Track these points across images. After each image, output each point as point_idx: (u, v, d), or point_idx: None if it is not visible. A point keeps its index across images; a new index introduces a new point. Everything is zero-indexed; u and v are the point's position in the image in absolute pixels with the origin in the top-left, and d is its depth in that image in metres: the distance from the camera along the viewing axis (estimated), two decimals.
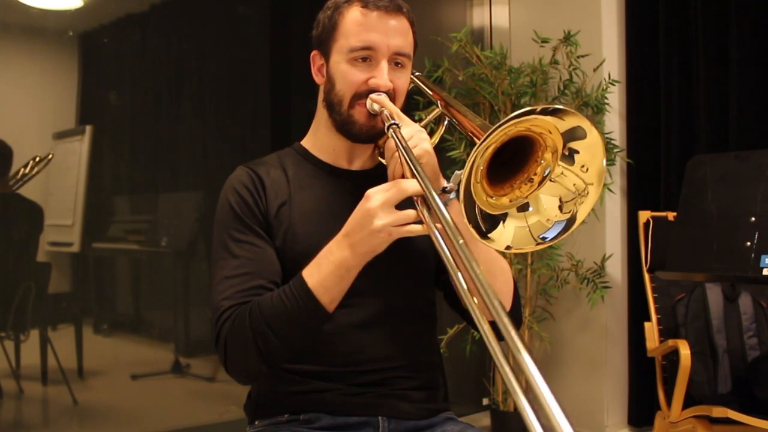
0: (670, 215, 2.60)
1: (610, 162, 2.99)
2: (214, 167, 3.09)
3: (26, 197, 2.59)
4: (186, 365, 2.97)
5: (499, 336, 0.73)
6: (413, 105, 2.87)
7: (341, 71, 1.20)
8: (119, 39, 2.85)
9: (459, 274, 0.85)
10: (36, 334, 2.61)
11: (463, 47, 2.97)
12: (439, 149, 1.17)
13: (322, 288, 1.06)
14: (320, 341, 1.15)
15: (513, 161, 0.98)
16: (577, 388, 3.14)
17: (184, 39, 3.04)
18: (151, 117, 3.00)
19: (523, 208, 0.98)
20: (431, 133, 1.18)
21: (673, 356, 2.35)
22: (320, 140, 1.29)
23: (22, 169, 2.55)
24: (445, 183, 1.03)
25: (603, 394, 3.09)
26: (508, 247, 0.96)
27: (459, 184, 0.90)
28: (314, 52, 1.26)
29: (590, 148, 0.94)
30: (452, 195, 1.01)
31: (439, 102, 1.24)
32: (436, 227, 0.93)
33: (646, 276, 2.59)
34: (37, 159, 2.58)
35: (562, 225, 0.97)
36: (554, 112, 0.90)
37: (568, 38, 2.97)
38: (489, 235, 0.95)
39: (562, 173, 0.97)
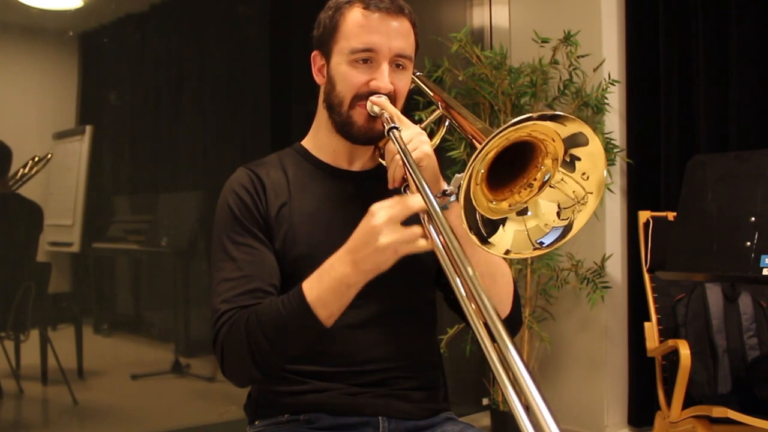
0: (670, 215, 2.60)
1: (610, 162, 2.99)
2: (214, 167, 3.09)
3: (26, 197, 2.59)
4: (186, 365, 2.97)
5: (492, 337, 0.74)
6: (413, 105, 2.87)
7: (342, 72, 1.20)
8: (119, 39, 2.85)
9: (458, 280, 0.85)
10: (36, 334, 2.61)
11: (463, 47, 2.97)
12: (439, 149, 1.17)
13: (321, 302, 1.04)
14: (320, 342, 1.15)
15: (513, 166, 0.98)
16: (577, 388, 3.14)
17: (184, 39, 3.04)
18: (151, 117, 2.99)
19: (522, 212, 0.98)
20: (431, 135, 1.18)
21: (673, 356, 2.35)
22: (321, 141, 1.29)
23: (22, 169, 2.55)
24: (445, 186, 1.03)
25: (603, 394, 3.09)
26: (507, 252, 0.96)
27: (459, 189, 0.90)
28: (315, 53, 1.26)
29: (592, 156, 0.93)
30: (452, 198, 1.01)
31: (439, 103, 1.24)
32: (439, 240, 0.92)
33: (646, 276, 2.59)
34: (37, 159, 2.58)
35: (559, 231, 0.97)
36: (554, 118, 0.90)
37: (568, 38, 2.97)
38: (489, 240, 0.95)
39: (562, 179, 0.96)
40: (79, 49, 2.75)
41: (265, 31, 3.24)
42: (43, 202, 2.66)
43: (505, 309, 1.18)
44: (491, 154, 0.91)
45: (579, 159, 0.94)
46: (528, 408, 0.64)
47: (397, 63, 1.20)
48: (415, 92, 1.32)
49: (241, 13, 3.18)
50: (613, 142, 3.04)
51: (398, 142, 1.06)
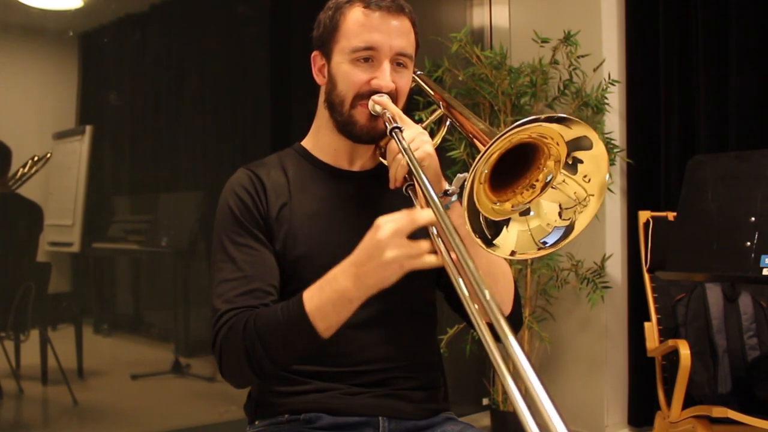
0: (670, 215, 2.60)
1: (611, 162, 2.99)
2: (214, 167, 3.09)
3: (26, 197, 2.59)
4: (186, 365, 2.97)
5: (497, 338, 0.74)
6: (413, 105, 2.87)
7: (343, 72, 1.20)
8: (119, 39, 2.85)
9: (460, 280, 0.85)
10: (36, 334, 2.61)
11: (463, 47, 2.97)
12: (440, 149, 1.17)
13: (320, 314, 1.02)
14: (318, 346, 1.15)
15: (515, 167, 0.98)
16: (577, 388, 3.14)
17: (184, 39, 3.04)
18: (151, 117, 2.99)
19: (525, 213, 0.98)
20: (432, 135, 1.18)
21: (673, 356, 2.35)
22: (321, 141, 1.29)
23: (21, 169, 2.55)
24: (446, 186, 1.03)
25: (603, 394, 3.09)
26: (512, 253, 0.96)
27: (462, 189, 0.90)
28: (315, 53, 1.26)
29: (595, 160, 0.94)
30: (454, 198, 1.00)
31: (440, 103, 1.24)
32: (450, 256, 0.90)
33: (646, 276, 2.59)
34: (36, 159, 2.58)
35: (562, 231, 0.97)
36: (560, 121, 0.90)
37: (568, 38, 2.97)
38: (494, 242, 0.95)
39: (563, 181, 0.97)
40: (79, 49, 2.75)
41: (265, 31, 3.24)
42: (43, 202, 2.66)
43: (506, 309, 1.19)
44: (495, 156, 0.91)
45: (581, 162, 0.95)
46: (534, 409, 0.64)
47: (398, 62, 1.20)
48: (415, 92, 1.32)
49: (241, 13, 3.18)
50: (613, 142, 3.04)
51: (401, 142, 1.06)
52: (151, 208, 3.01)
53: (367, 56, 1.18)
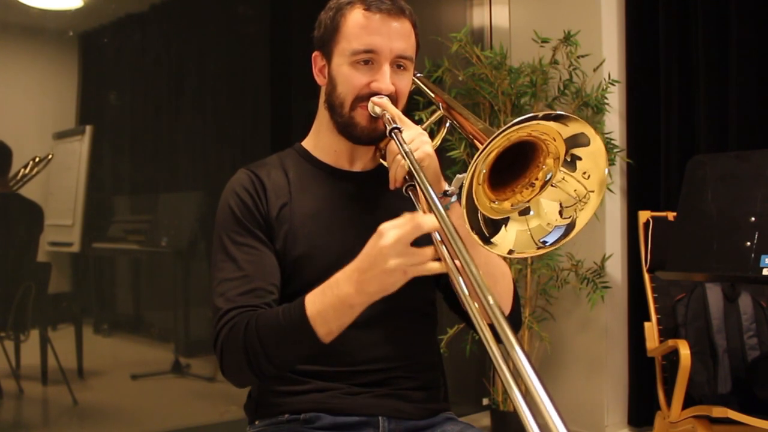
0: (670, 215, 2.60)
1: (610, 162, 2.99)
2: (214, 167, 3.09)
3: (26, 197, 2.59)
4: (186, 365, 2.97)
5: (498, 338, 0.74)
6: (413, 105, 2.87)
7: (343, 74, 1.20)
8: (119, 39, 2.85)
9: (460, 280, 0.85)
10: (36, 334, 2.61)
11: (463, 47, 2.97)
12: (439, 149, 1.17)
13: (321, 318, 1.01)
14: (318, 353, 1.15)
15: (514, 165, 0.98)
16: (577, 388, 3.15)
17: (184, 39, 3.04)
18: (151, 117, 3.00)
19: (524, 212, 0.98)
20: (432, 135, 1.18)
21: (673, 356, 2.35)
22: (321, 141, 1.29)
23: (22, 170, 2.55)
24: (446, 186, 1.03)
25: (603, 394, 3.09)
26: (510, 252, 0.96)
27: (461, 190, 0.90)
28: (316, 53, 1.26)
29: (593, 156, 0.93)
30: (453, 198, 1.00)
31: (440, 104, 1.24)
32: (455, 263, 0.89)
33: (646, 276, 2.59)
34: (37, 159, 2.58)
35: (562, 230, 0.97)
36: (557, 118, 0.90)
37: (568, 38, 2.97)
38: (492, 240, 0.95)
39: (563, 179, 0.96)
40: (79, 49, 2.75)
41: (265, 31, 3.24)
42: (43, 202, 2.66)
43: (506, 309, 1.19)
44: (493, 154, 0.91)
45: (580, 158, 0.95)
46: (535, 410, 0.64)
47: (398, 64, 1.20)
48: (415, 92, 1.32)
49: (241, 13, 3.18)
50: (613, 142, 3.04)
51: (400, 144, 1.06)
52: (151, 208, 3.01)
53: (367, 59, 1.18)
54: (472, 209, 0.92)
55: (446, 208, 0.95)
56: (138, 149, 2.95)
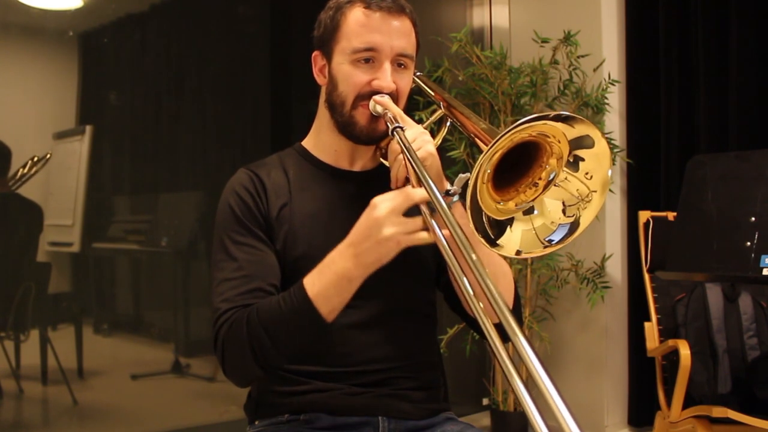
0: (670, 215, 2.60)
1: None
2: (214, 167, 3.09)
3: (26, 197, 2.59)
4: (186, 365, 2.97)
5: (505, 338, 0.74)
6: (413, 105, 2.87)
7: (344, 72, 1.20)
8: (119, 39, 2.85)
9: (465, 279, 0.85)
10: (36, 334, 2.61)
11: (463, 47, 2.97)
12: (440, 149, 1.17)
13: (322, 298, 1.04)
14: (320, 342, 1.15)
15: (517, 165, 0.98)
16: (577, 388, 3.15)
17: (184, 39, 3.04)
18: (151, 117, 2.99)
19: (528, 211, 0.99)
20: (432, 135, 1.18)
21: (673, 356, 2.35)
22: (322, 141, 1.29)
23: (21, 169, 2.55)
24: (448, 185, 1.03)
25: (603, 394, 3.09)
26: (518, 252, 0.96)
27: (466, 191, 0.90)
28: (316, 53, 1.26)
29: (597, 157, 0.94)
30: (455, 198, 1.01)
31: (441, 103, 1.24)
32: (442, 233, 0.92)
33: (646, 276, 2.59)
34: (36, 159, 2.58)
35: (567, 228, 0.97)
36: (566, 119, 0.90)
37: (568, 38, 2.97)
38: (498, 242, 0.95)
39: (565, 178, 0.97)
40: (79, 49, 2.75)
41: (265, 31, 3.24)
42: (43, 202, 2.66)
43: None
44: (498, 154, 0.91)
45: (583, 159, 0.95)
46: (546, 410, 0.64)
47: (398, 62, 1.20)
48: (415, 92, 1.32)
49: (241, 13, 3.18)
50: (613, 142, 3.04)
51: (403, 142, 1.06)
52: (151, 208, 3.01)
53: (368, 57, 1.18)
54: (477, 211, 0.92)
55: (448, 207, 0.96)
56: (138, 149, 2.95)
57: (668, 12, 3.02)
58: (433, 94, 1.30)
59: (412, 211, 0.99)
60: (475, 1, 3.60)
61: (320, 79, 1.26)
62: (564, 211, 0.98)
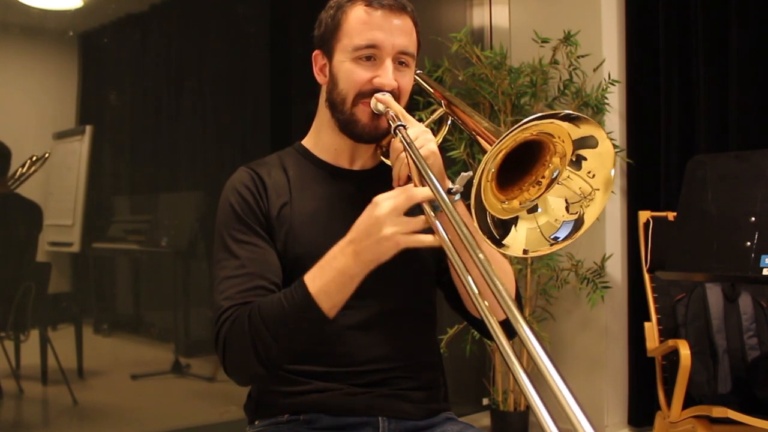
0: (670, 215, 2.61)
1: None
2: (214, 167, 3.09)
3: (26, 197, 2.59)
4: (186, 365, 2.97)
5: (510, 335, 0.74)
6: (413, 105, 2.87)
7: (345, 70, 1.19)
8: (119, 39, 2.85)
9: (469, 278, 0.85)
10: (36, 334, 2.61)
11: (463, 47, 2.97)
12: (440, 149, 1.17)
13: (324, 294, 1.04)
14: (320, 342, 1.15)
15: (520, 164, 0.98)
16: (577, 388, 3.12)
17: (184, 39, 3.04)
18: (151, 117, 2.99)
19: (532, 209, 0.99)
20: (433, 134, 1.18)
21: (673, 356, 2.35)
22: (322, 140, 1.29)
23: (20, 169, 2.55)
24: (450, 184, 1.03)
25: (603, 394, 3.09)
26: (525, 251, 0.97)
27: (468, 190, 0.90)
28: (316, 52, 1.26)
29: (600, 157, 0.94)
30: (457, 196, 1.01)
31: (442, 102, 1.24)
32: (449, 235, 0.91)
33: (646, 276, 2.59)
34: (34, 158, 2.58)
35: (571, 225, 0.98)
36: (574, 119, 0.90)
37: (568, 38, 2.97)
38: (503, 242, 0.95)
39: (568, 177, 0.97)
40: (79, 49, 2.75)
41: (265, 31, 3.24)
42: (43, 202, 2.66)
43: None
44: (502, 153, 0.91)
45: (585, 159, 0.95)
46: (557, 408, 0.63)
47: (400, 60, 1.20)
48: (415, 92, 1.32)
49: (241, 13, 3.18)
50: (613, 142, 3.03)
51: (406, 140, 1.06)
52: (151, 208, 3.01)
53: (370, 54, 1.18)
54: (481, 210, 0.92)
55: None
56: (138, 149, 2.95)
57: (668, 12, 3.03)
58: (433, 92, 1.30)
59: (413, 211, 0.98)
60: (475, 1, 3.60)
61: (320, 79, 1.26)
62: (567, 209, 0.98)
